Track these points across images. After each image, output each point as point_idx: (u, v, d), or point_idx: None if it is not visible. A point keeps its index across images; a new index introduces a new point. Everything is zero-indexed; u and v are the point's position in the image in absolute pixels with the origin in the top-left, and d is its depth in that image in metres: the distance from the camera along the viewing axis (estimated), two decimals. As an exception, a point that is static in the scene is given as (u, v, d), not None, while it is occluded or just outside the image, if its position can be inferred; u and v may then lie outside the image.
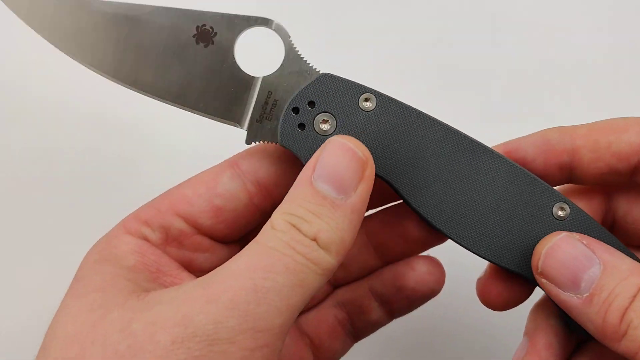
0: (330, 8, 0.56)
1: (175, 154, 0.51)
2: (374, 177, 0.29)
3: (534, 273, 0.29)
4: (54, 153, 0.52)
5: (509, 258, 0.30)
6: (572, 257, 0.28)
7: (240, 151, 0.33)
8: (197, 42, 0.30)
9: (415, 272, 0.37)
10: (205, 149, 0.46)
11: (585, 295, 0.27)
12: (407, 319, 0.39)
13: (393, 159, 0.30)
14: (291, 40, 0.30)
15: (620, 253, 0.29)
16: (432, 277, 0.36)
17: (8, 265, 0.48)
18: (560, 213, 0.30)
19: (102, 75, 0.31)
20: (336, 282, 0.37)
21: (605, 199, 0.34)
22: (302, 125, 0.30)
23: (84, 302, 0.27)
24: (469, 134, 0.30)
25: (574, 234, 0.29)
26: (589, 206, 0.33)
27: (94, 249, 0.31)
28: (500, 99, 0.53)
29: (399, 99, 0.30)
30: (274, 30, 0.30)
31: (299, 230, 0.27)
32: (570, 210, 0.30)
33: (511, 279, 0.32)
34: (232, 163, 0.32)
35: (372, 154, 0.29)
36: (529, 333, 0.33)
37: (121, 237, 0.31)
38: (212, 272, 0.27)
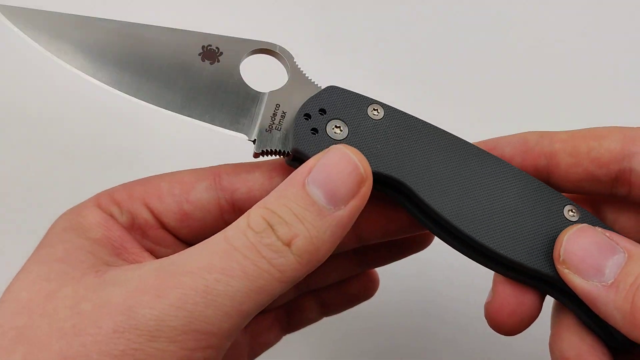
0: (325, 9, 0.56)
1: (177, 146, 0.50)
2: (368, 195, 0.28)
3: (556, 264, 0.28)
4: (55, 146, 0.51)
5: (530, 255, 0.29)
6: (594, 243, 0.27)
7: (228, 163, 0.32)
8: (203, 60, 0.30)
9: (356, 281, 0.40)
10: (207, 142, 0.46)
11: (610, 281, 0.26)
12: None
13: (408, 162, 0.30)
14: (295, 62, 0.31)
15: None
16: (369, 284, 0.40)
17: (9, 262, 0.46)
18: (572, 214, 0.30)
19: (101, 85, 0.30)
20: (312, 285, 0.38)
21: (590, 208, 0.33)
22: (315, 130, 0.30)
23: (43, 270, 0.27)
24: (466, 137, 0.31)
25: (597, 227, 0.29)
26: None
27: (64, 216, 0.30)
28: (495, 102, 0.53)
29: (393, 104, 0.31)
30: (279, 54, 0.31)
31: (273, 231, 0.26)
32: (580, 212, 0.30)
33: (521, 293, 0.30)
34: (215, 173, 0.32)
35: (386, 157, 0.29)
36: None
37: (91, 209, 0.30)
38: (172, 257, 0.26)
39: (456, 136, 0.30)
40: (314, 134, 0.29)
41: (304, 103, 0.30)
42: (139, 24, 0.30)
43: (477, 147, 0.30)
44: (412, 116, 0.30)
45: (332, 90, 0.30)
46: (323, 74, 0.33)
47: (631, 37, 0.55)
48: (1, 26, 0.30)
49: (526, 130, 0.32)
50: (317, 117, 0.30)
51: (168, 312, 0.24)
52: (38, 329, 0.24)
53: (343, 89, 0.30)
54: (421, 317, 0.47)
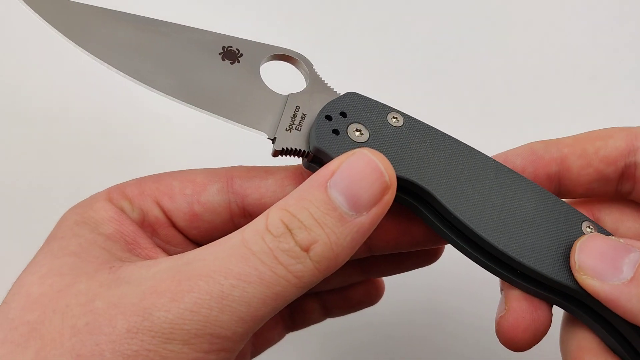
0: (329, 8, 0.56)
1: (187, 142, 0.50)
2: (391, 203, 0.27)
3: (573, 271, 0.28)
4: (62, 142, 0.51)
5: (551, 266, 0.29)
6: (608, 245, 0.27)
7: (242, 166, 0.32)
8: (223, 59, 0.30)
9: (361, 287, 0.40)
10: (219, 138, 0.46)
11: (629, 277, 0.26)
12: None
13: (428, 168, 0.30)
14: (315, 69, 0.31)
15: None
16: (373, 291, 0.40)
17: (11, 260, 0.46)
18: (589, 230, 0.30)
19: (123, 76, 0.30)
20: (315, 289, 0.37)
21: (590, 216, 0.33)
22: (336, 131, 0.29)
23: (55, 264, 0.27)
24: (467, 136, 0.31)
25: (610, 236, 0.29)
26: None
27: (75, 208, 0.30)
28: (496, 104, 0.54)
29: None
30: (298, 60, 0.31)
31: (292, 236, 0.25)
32: (597, 228, 0.30)
33: (535, 309, 0.30)
34: (228, 176, 0.31)
35: (407, 162, 0.29)
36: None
37: (103, 203, 0.30)
38: (187, 256, 0.26)
39: (472, 147, 0.30)
40: (336, 134, 0.29)
41: (325, 105, 0.30)
42: (156, 19, 0.30)
43: (493, 159, 0.30)
44: (431, 126, 0.30)
45: (353, 95, 0.30)
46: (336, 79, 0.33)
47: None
48: (22, 18, 0.30)
49: (525, 130, 0.32)
50: (338, 119, 0.29)
51: (183, 315, 0.24)
52: (51, 325, 0.24)
53: (363, 96, 0.30)
54: (425, 327, 0.47)
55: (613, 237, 0.28)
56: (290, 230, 0.25)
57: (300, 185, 0.26)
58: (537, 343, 0.30)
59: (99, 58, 0.29)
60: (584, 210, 0.32)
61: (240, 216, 0.31)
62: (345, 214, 0.25)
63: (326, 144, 0.29)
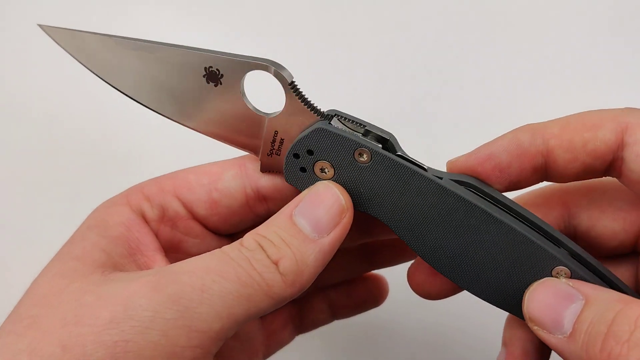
0: (321, 9, 0.57)
1: (180, 147, 0.52)
2: (350, 224, 0.30)
3: (526, 321, 0.28)
4: (57, 148, 0.53)
5: (515, 308, 0.29)
6: (552, 296, 0.27)
7: (251, 154, 0.33)
8: (208, 82, 0.30)
9: (364, 287, 0.41)
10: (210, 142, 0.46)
11: (569, 332, 0.26)
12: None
13: (391, 207, 0.30)
14: (291, 85, 0.30)
15: (607, 288, 0.27)
16: (377, 291, 0.41)
17: (11, 258, 0.49)
18: (558, 276, 0.29)
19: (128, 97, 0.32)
20: (320, 283, 0.38)
21: (563, 214, 0.33)
22: (303, 169, 0.31)
23: (61, 268, 0.28)
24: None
25: (561, 278, 0.28)
26: (548, 221, 0.32)
27: (94, 212, 0.32)
28: (495, 104, 0.54)
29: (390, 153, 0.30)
30: (273, 76, 0.30)
31: (264, 250, 0.28)
32: (571, 274, 0.28)
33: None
34: (240, 163, 0.33)
35: (370, 199, 0.30)
36: (506, 342, 0.32)
37: (120, 207, 0.32)
38: (170, 265, 0.28)
39: (446, 188, 0.29)
40: (303, 172, 0.31)
41: (293, 144, 0.30)
42: (149, 42, 0.30)
43: (467, 200, 0.29)
44: (400, 162, 0.29)
45: (320, 132, 0.30)
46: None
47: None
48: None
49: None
50: (305, 157, 0.31)
51: (164, 304, 0.25)
52: (46, 319, 0.26)
53: (331, 132, 0.30)
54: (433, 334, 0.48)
55: (563, 281, 0.28)
56: (262, 247, 0.28)
57: (273, 215, 0.30)
58: (452, 294, 0.33)
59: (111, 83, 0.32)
60: (564, 205, 0.33)
61: (256, 199, 0.33)
62: (309, 236, 0.28)
63: (294, 181, 0.31)
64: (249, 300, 0.27)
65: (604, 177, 0.31)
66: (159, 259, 0.32)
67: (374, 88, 0.54)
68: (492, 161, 0.31)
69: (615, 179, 0.31)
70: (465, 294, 0.31)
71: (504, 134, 0.31)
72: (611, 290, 0.27)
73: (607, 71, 0.54)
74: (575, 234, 0.33)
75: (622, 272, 0.33)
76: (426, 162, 0.31)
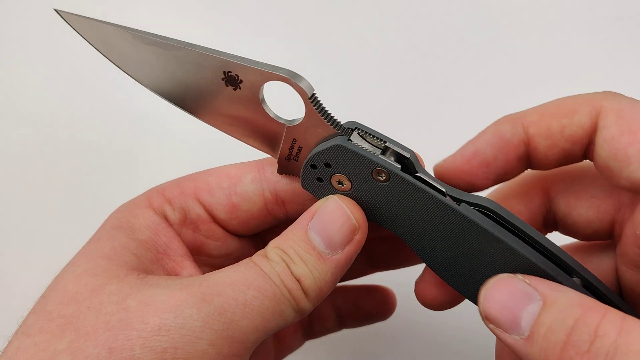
0: (324, 11, 0.57)
1: (180, 149, 0.50)
2: (364, 241, 0.30)
3: (482, 319, 0.28)
4: (59, 148, 0.52)
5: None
6: (509, 294, 0.26)
7: (270, 158, 0.33)
8: (227, 85, 0.30)
9: (372, 299, 0.41)
10: (215, 140, 0.44)
11: (526, 334, 0.25)
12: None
13: (406, 224, 0.30)
14: (311, 98, 0.29)
15: (565, 287, 0.26)
16: (385, 305, 0.42)
17: (11, 258, 0.47)
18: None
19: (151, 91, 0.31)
20: None
21: (544, 201, 0.33)
22: (320, 179, 0.31)
23: (90, 265, 0.28)
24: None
25: (517, 274, 0.27)
26: (529, 209, 0.33)
27: (116, 212, 0.32)
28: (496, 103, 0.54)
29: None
30: (294, 88, 0.29)
31: (287, 266, 0.29)
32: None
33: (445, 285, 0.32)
34: (259, 166, 0.33)
35: (386, 214, 0.30)
36: None
37: (143, 209, 0.31)
38: (210, 273, 0.28)
39: (463, 214, 0.29)
40: (320, 182, 0.31)
41: (310, 156, 0.30)
42: (166, 39, 0.29)
43: (478, 224, 0.29)
44: (418, 186, 0.29)
45: (338, 149, 0.29)
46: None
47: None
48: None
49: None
50: (322, 169, 0.31)
51: (213, 315, 0.26)
52: (85, 320, 0.26)
53: (349, 150, 0.29)
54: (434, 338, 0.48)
55: (520, 278, 0.27)
56: (285, 262, 0.29)
57: (290, 226, 0.30)
58: (452, 306, 0.33)
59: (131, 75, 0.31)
60: (544, 192, 0.33)
61: (274, 203, 0.33)
62: (323, 253, 0.29)
63: (311, 189, 0.31)
64: (281, 316, 0.28)
65: (584, 161, 0.31)
66: (187, 264, 0.32)
67: (374, 88, 0.54)
68: (479, 157, 0.31)
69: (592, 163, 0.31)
70: (473, 308, 0.31)
71: (485, 129, 0.31)
72: (570, 290, 0.26)
73: (607, 71, 0.55)
74: (555, 221, 0.34)
75: (604, 259, 0.33)
76: (426, 162, 0.31)
